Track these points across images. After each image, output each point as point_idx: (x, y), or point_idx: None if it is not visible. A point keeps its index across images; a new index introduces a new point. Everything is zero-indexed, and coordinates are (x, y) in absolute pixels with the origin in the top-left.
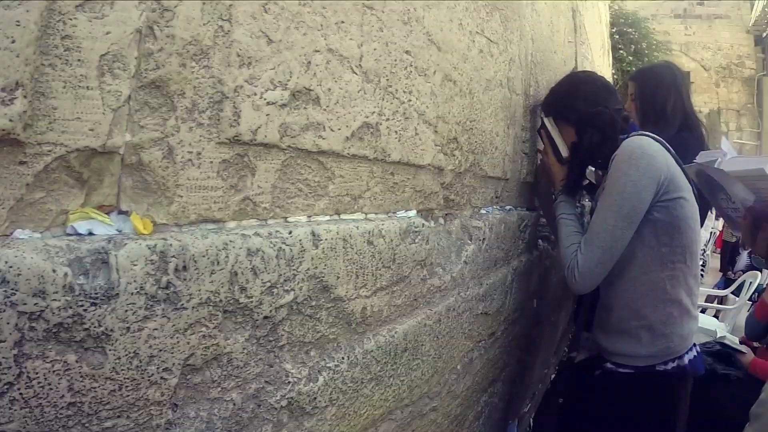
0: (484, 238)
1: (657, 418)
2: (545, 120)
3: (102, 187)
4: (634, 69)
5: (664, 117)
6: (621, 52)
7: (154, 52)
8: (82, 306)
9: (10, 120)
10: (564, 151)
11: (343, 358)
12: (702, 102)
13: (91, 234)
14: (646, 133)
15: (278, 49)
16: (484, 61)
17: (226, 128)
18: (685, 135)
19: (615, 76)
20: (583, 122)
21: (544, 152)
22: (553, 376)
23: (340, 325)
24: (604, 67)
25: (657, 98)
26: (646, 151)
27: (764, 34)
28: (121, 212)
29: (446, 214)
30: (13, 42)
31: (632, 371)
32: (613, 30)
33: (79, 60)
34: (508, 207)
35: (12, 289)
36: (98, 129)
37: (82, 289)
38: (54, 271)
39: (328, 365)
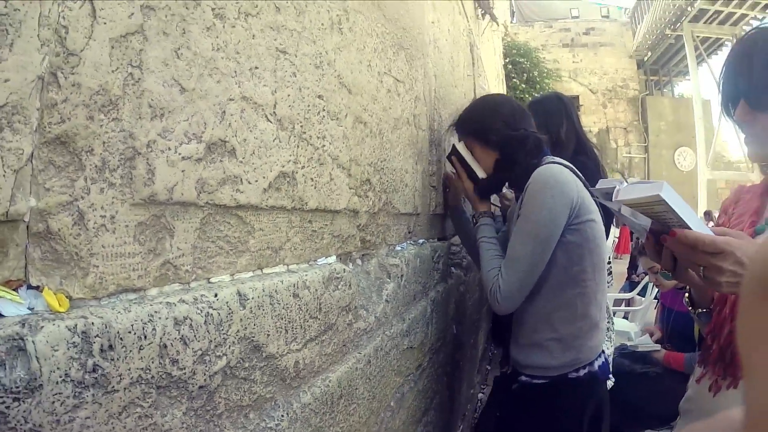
0: (402, 275)
1: (574, 422)
2: (457, 145)
3: (7, 260)
4: (527, 96)
5: (559, 143)
6: (514, 80)
7: (58, 103)
8: (3, 403)
9: None
10: (480, 173)
11: (282, 416)
12: (591, 122)
13: (1, 316)
14: (557, 159)
15: (191, 98)
16: (392, 100)
17: (141, 188)
18: (582, 158)
19: None
20: (508, 144)
21: (458, 177)
22: (483, 393)
23: (275, 383)
24: None
25: (550, 126)
26: (558, 179)
27: (645, 58)
28: (31, 287)
29: (363, 255)
30: None
31: (546, 381)
32: (507, 60)
33: None
34: (421, 240)
35: None
36: None
37: (0, 384)
38: None
39: (269, 426)
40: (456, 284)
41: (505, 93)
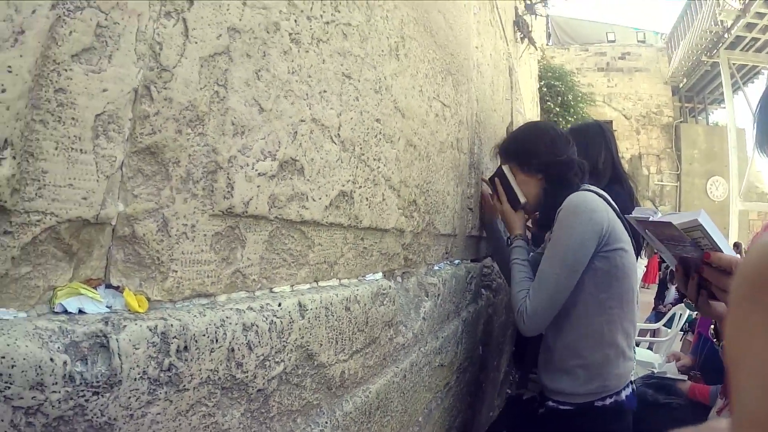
0: (438, 294)
1: None
2: (504, 168)
3: (90, 259)
4: (561, 120)
5: (595, 171)
6: (549, 103)
7: (150, 115)
8: (83, 396)
9: None
10: (522, 198)
11: (326, 423)
12: (624, 148)
13: (81, 312)
14: (590, 187)
15: (269, 118)
16: (439, 124)
17: (220, 200)
18: (616, 188)
19: None
20: (553, 171)
21: (498, 200)
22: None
23: (322, 391)
24: (533, 119)
25: (589, 154)
26: (589, 206)
27: (681, 85)
28: (109, 286)
29: (404, 273)
30: (4, 91)
31: (572, 408)
32: (541, 83)
33: (73, 118)
34: (456, 261)
35: (6, 383)
36: (92, 198)
37: (82, 378)
38: (52, 360)
39: (314, 431)
40: (485, 306)
41: (539, 116)
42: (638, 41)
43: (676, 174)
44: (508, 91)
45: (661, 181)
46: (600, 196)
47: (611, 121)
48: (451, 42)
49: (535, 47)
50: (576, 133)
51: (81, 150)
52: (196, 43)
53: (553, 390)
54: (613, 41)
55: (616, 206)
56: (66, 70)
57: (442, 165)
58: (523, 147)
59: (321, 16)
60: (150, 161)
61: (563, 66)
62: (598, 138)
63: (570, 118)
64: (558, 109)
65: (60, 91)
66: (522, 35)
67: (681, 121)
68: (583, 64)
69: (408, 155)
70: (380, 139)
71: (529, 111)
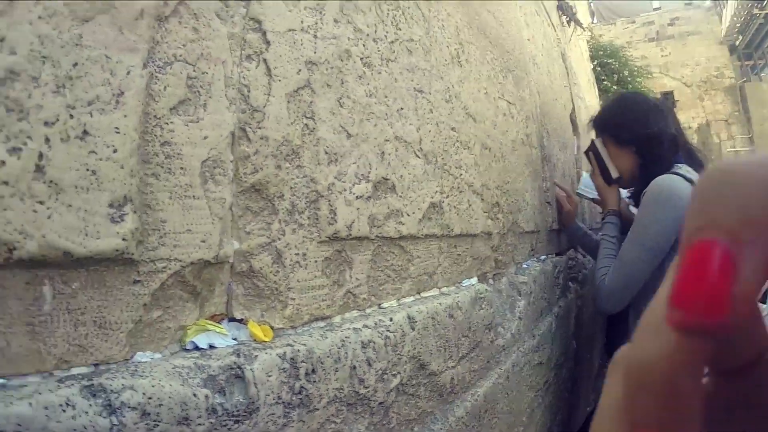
0: (531, 292)
1: None
2: (596, 141)
3: (213, 296)
4: None
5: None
6: (605, 83)
7: (250, 155)
8: (226, 426)
9: (123, 239)
10: (614, 173)
11: (440, 429)
12: (690, 118)
13: (211, 347)
14: (680, 169)
15: (356, 142)
16: (508, 123)
17: (325, 226)
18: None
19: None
20: (644, 144)
21: (593, 174)
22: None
23: (435, 398)
24: (592, 101)
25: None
26: (673, 191)
27: (737, 42)
28: (232, 320)
29: (495, 274)
30: (115, 151)
31: None
32: (594, 63)
33: (181, 168)
34: (542, 257)
35: (154, 421)
36: (209, 240)
37: (223, 409)
38: (195, 395)
39: None
40: (574, 298)
41: (597, 97)
42: (685, 4)
43: (749, 137)
44: (565, 78)
45: (734, 147)
46: (689, 180)
47: (672, 92)
48: (505, 39)
49: (582, 28)
50: None
51: (193, 196)
52: (280, 80)
53: None
54: (659, 9)
55: None
56: (167, 123)
57: (516, 163)
58: (613, 119)
59: (385, 36)
60: (256, 198)
61: (613, 42)
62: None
63: None
64: (615, 87)
65: (165, 144)
66: (567, 18)
67: (744, 81)
68: (633, 36)
69: (485, 158)
70: (458, 146)
71: (587, 93)
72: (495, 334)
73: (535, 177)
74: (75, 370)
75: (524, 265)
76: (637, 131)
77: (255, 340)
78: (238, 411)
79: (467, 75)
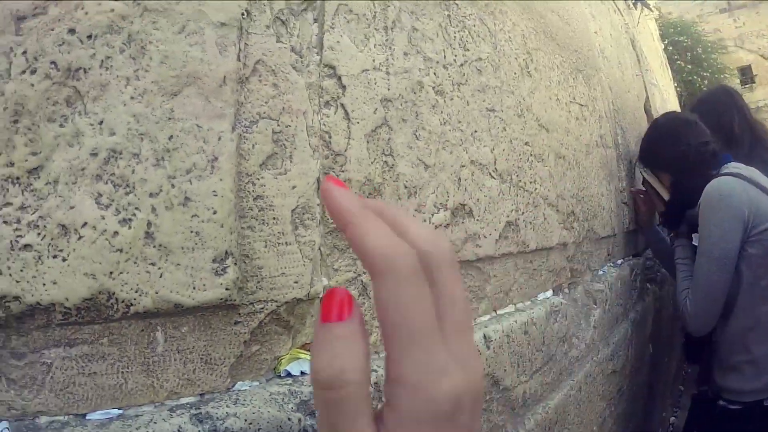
0: (606, 299)
1: None
2: (643, 172)
3: (304, 328)
4: (695, 77)
5: (733, 138)
6: (678, 62)
7: None
8: None
9: (226, 289)
10: (666, 196)
11: None
12: None
13: (302, 374)
14: (730, 168)
15: (434, 172)
16: (581, 127)
17: None
18: (760, 151)
19: (678, 89)
20: (673, 164)
21: (651, 201)
22: (674, 417)
23: (506, 412)
24: (666, 84)
25: (723, 123)
26: (723, 193)
27: None
28: None
29: (570, 284)
30: (215, 213)
31: (740, 407)
32: (665, 42)
33: (274, 218)
34: (619, 261)
35: None
36: (302, 280)
37: (314, 430)
38: (289, 419)
39: None
40: (652, 301)
41: (671, 78)
42: None
43: None
44: (636, 66)
45: None
46: (738, 175)
47: (749, 66)
48: (572, 38)
49: (650, 9)
50: (704, 103)
51: (286, 243)
52: (358, 122)
53: (722, 388)
54: None
55: (760, 182)
56: (259, 179)
57: (591, 167)
58: (648, 148)
59: (454, 60)
60: (342, 237)
61: (682, 18)
62: (725, 103)
63: (704, 73)
64: (690, 66)
65: (258, 198)
66: (634, 1)
67: None
68: (702, 9)
69: (559, 168)
70: (531, 160)
71: (661, 77)
72: (569, 346)
73: (611, 178)
74: (183, 400)
75: (600, 272)
76: (666, 153)
77: None
78: None
79: (537, 84)
